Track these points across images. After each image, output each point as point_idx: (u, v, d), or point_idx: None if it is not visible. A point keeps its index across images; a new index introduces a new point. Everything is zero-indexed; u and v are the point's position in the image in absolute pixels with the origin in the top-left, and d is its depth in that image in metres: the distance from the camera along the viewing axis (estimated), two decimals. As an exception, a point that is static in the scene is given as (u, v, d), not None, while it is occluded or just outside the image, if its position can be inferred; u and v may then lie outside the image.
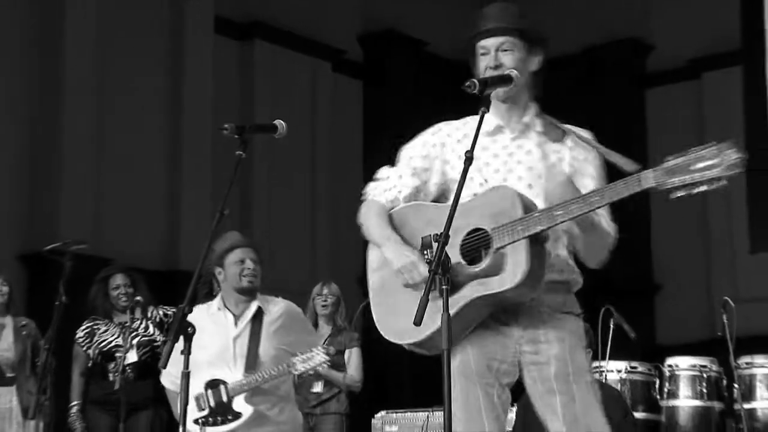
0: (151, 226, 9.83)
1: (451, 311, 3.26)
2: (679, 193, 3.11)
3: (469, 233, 3.45)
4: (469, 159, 3.34)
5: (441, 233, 3.23)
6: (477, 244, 3.44)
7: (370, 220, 3.71)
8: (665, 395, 6.82)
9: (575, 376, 3.48)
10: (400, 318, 3.55)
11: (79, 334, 7.02)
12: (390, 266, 3.59)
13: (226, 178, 4.12)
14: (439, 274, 3.24)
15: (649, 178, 3.13)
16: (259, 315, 5.30)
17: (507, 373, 3.55)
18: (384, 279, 3.64)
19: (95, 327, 7.03)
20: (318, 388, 7.19)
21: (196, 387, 5.16)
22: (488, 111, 3.46)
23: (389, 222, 3.66)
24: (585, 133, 3.63)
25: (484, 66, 3.60)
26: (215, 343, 5.22)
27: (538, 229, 3.34)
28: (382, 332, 3.66)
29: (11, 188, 9.25)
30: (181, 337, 3.94)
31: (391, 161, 3.89)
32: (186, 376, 3.94)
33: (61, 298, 6.33)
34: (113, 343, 6.95)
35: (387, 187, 3.75)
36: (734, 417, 6.80)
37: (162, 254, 9.82)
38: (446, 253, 3.27)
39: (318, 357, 5.15)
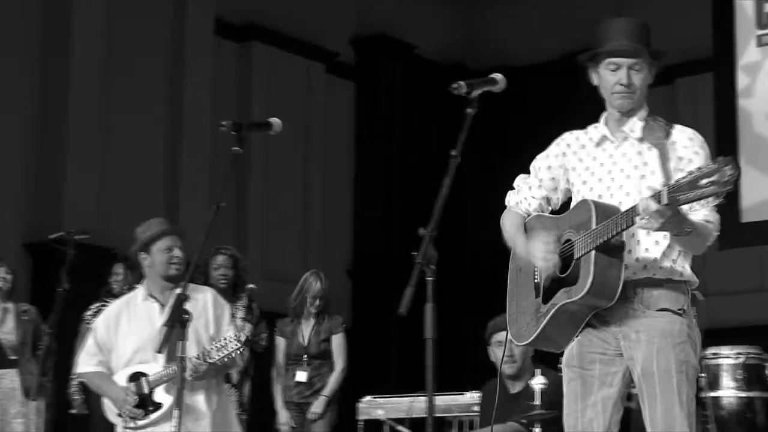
0: (151, 218, 9.76)
1: (545, 318, 3.50)
2: (696, 207, 3.23)
3: (563, 243, 3.53)
4: (453, 158, 3.40)
5: (429, 227, 3.25)
6: (569, 253, 3.51)
7: (506, 228, 3.80)
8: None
9: (660, 377, 3.46)
10: (516, 321, 3.69)
11: (88, 313, 7.07)
12: (521, 274, 3.68)
13: (224, 173, 4.09)
14: (426, 266, 3.25)
15: (665, 195, 3.18)
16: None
17: (610, 363, 3.55)
18: (512, 288, 3.73)
19: (103, 308, 7.06)
20: (303, 377, 7.14)
21: (121, 381, 5.04)
22: (474, 111, 3.47)
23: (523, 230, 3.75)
24: (689, 134, 3.60)
25: (614, 81, 3.62)
26: (142, 334, 5.03)
27: (598, 241, 3.38)
28: (510, 335, 3.75)
29: (18, 180, 9.20)
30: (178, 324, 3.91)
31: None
32: (181, 360, 3.91)
33: (63, 285, 6.32)
34: (115, 326, 6.95)
35: (519, 199, 3.80)
36: (701, 404, 6.77)
37: (162, 244, 9.77)
38: (432, 246, 3.29)
39: (231, 345, 4.94)
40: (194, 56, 10.25)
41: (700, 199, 3.11)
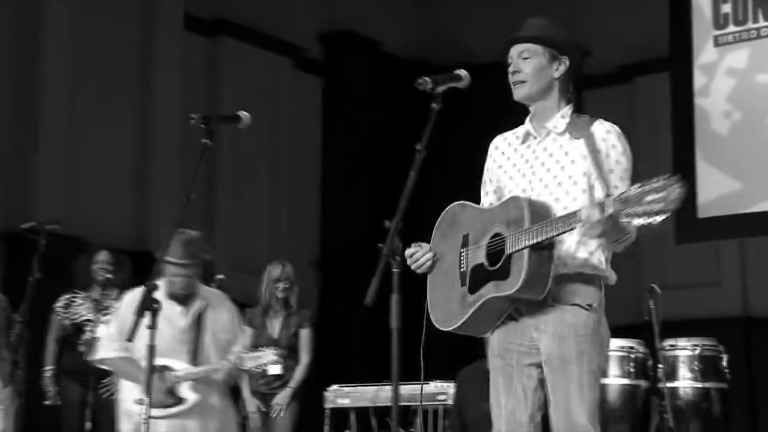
0: (121, 209, 9.75)
1: (472, 308, 3.48)
2: (637, 221, 3.13)
3: (492, 237, 3.50)
4: (418, 152, 3.43)
5: (394, 219, 3.27)
6: (499, 248, 3.48)
7: None
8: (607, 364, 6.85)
9: (560, 366, 3.47)
10: (441, 308, 3.66)
11: (58, 304, 7.04)
12: (444, 261, 3.67)
13: (193, 165, 4.08)
14: (391, 258, 3.27)
15: (609, 206, 3.16)
16: (203, 309, 5.27)
17: (526, 354, 3.56)
18: (434, 274, 3.71)
19: (72, 299, 7.04)
20: (277, 370, 7.14)
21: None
22: (439, 107, 3.49)
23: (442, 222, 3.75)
24: (607, 127, 3.58)
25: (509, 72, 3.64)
26: (163, 332, 5.13)
27: (534, 241, 3.36)
28: (433, 321, 3.72)
29: (-10, 170, 9.13)
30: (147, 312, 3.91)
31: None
32: (152, 349, 3.90)
33: (35, 274, 6.30)
34: (85, 317, 6.94)
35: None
36: (658, 395, 6.85)
37: (131, 235, 9.73)
38: (397, 238, 3.31)
39: (267, 357, 5.17)
40: (164, 50, 10.19)
41: (646, 214, 3.08)
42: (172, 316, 5.19)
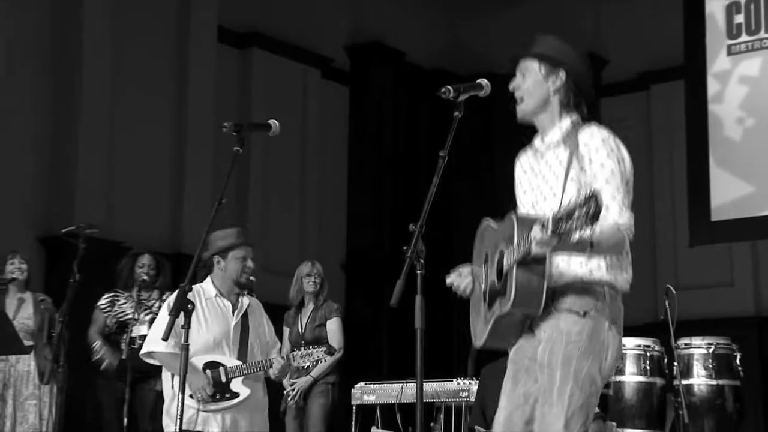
0: (157, 213, 9.79)
1: (489, 324, 3.45)
2: (576, 236, 3.13)
3: (499, 254, 3.46)
4: (441, 158, 3.45)
5: (419, 223, 3.27)
6: (502, 265, 3.45)
7: None
8: (613, 371, 6.84)
9: (548, 368, 3.40)
10: (474, 325, 3.65)
11: (102, 301, 7.08)
12: (476, 282, 3.65)
13: (225, 171, 4.10)
14: (415, 260, 3.27)
15: (549, 226, 3.12)
16: (248, 309, 5.35)
17: (534, 361, 3.49)
18: (473, 294, 3.69)
19: (116, 298, 7.08)
20: (307, 362, 7.09)
21: (197, 366, 5.16)
22: (460, 115, 3.48)
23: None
24: (592, 131, 3.49)
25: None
26: (215, 328, 5.20)
27: (517, 259, 3.30)
28: (472, 338, 3.71)
29: (33, 177, 9.19)
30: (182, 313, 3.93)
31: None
32: (186, 348, 3.92)
33: (75, 277, 6.35)
34: (128, 316, 6.98)
35: None
36: (674, 392, 6.83)
37: (166, 238, 9.79)
38: (421, 241, 3.31)
39: (316, 353, 5.26)
40: (198, 61, 10.25)
41: (576, 229, 3.05)
42: (225, 313, 5.24)
